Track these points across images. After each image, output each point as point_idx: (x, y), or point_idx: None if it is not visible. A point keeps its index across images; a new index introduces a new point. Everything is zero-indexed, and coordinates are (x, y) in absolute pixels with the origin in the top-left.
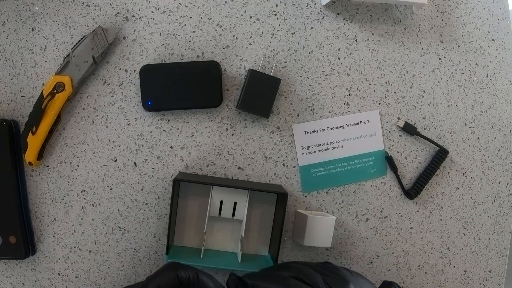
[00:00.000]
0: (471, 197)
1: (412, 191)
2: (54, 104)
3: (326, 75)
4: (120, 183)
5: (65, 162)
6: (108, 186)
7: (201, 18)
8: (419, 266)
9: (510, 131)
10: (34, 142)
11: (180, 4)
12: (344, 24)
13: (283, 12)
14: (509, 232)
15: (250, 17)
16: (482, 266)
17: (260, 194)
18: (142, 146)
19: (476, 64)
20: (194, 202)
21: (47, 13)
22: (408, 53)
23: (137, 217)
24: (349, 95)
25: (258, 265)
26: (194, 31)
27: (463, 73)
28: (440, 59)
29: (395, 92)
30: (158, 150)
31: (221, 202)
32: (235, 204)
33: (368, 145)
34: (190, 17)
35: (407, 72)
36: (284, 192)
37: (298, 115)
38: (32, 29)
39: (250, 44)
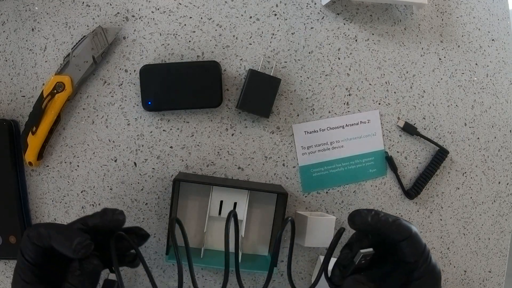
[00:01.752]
0: (471, 197)
1: (412, 191)
2: (54, 104)
3: (326, 75)
4: (120, 183)
5: (65, 162)
6: (108, 186)
7: (201, 18)
8: None
9: (510, 131)
10: (34, 142)
11: (180, 4)
12: (344, 24)
13: (283, 12)
14: (509, 232)
15: (250, 17)
16: (482, 266)
17: (260, 194)
18: (142, 146)
19: (476, 64)
20: (194, 202)
21: (47, 13)
22: (408, 53)
23: (137, 217)
24: (349, 95)
25: (258, 265)
26: (194, 31)
27: (463, 73)
28: (440, 59)
29: (395, 92)
30: (158, 150)
31: (221, 202)
32: (235, 204)
33: (368, 145)
34: (190, 17)
35: (407, 72)
36: (284, 192)
37: (298, 115)
38: (32, 29)
39: (250, 44)
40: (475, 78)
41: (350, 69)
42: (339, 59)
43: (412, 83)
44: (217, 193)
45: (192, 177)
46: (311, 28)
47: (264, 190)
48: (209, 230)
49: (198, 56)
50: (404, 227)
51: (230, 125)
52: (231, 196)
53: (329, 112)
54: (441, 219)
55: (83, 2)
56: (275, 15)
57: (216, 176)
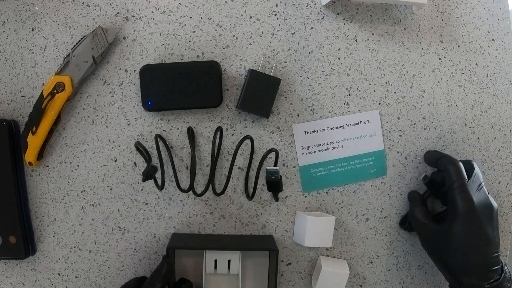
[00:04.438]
0: None
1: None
2: (54, 104)
3: (326, 75)
4: (120, 183)
5: (65, 162)
6: (108, 186)
7: (201, 18)
8: (419, 266)
9: (510, 131)
10: (34, 142)
11: (180, 4)
12: (344, 24)
13: (283, 12)
14: (509, 232)
15: (250, 17)
16: None
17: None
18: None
19: (476, 64)
20: (190, 259)
21: (47, 13)
22: (408, 53)
23: (137, 217)
24: (349, 95)
25: None
26: (194, 31)
27: (463, 73)
28: (440, 59)
29: (395, 92)
30: None
31: (215, 260)
32: (229, 261)
33: (368, 145)
34: (190, 17)
35: (407, 72)
36: (275, 248)
37: (298, 115)
38: (32, 29)
39: (250, 44)
40: (475, 78)
41: (350, 69)
42: (339, 59)
43: (412, 83)
44: (210, 254)
45: (185, 241)
46: (311, 28)
47: (255, 248)
48: (207, 285)
49: (198, 56)
50: (443, 161)
51: (230, 125)
52: (225, 255)
53: (329, 112)
54: None
55: (83, 2)
56: (275, 15)
57: (210, 234)
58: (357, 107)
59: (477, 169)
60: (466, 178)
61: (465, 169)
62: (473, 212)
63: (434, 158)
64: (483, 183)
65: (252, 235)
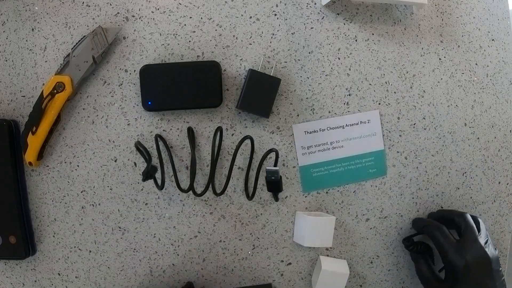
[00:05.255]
0: (471, 197)
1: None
2: (54, 104)
3: (326, 75)
4: (120, 183)
5: (65, 162)
6: (108, 186)
7: (201, 18)
8: None
9: (510, 131)
10: (34, 142)
11: (180, 4)
12: (344, 24)
13: (283, 12)
14: (509, 232)
15: (250, 17)
16: None
17: None
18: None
19: (476, 64)
20: None
21: (47, 13)
22: (408, 53)
23: (137, 217)
24: (349, 95)
25: None
26: (194, 31)
27: (463, 73)
28: (440, 59)
29: (395, 92)
30: None
31: None
32: None
33: (368, 145)
34: (190, 17)
35: (407, 72)
36: None
37: (298, 115)
38: (32, 29)
39: (250, 44)
40: (475, 78)
41: (350, 69)
42: (339, 59)
43: (412, 83)
44: None
45: None
46: (311, 28)
47: None
48: None
49: (198, 56)
50: (428, 229)
51: (230, 125)
52: None
53: (329, 112)
54: None
55: (83, 2)
56: (275, 15)
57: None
58: (357, 107)
59: (469, 224)
60: (453, 239)
61: (458, 222)
62: (469, 270)
63: (420, 226)
64: (478, 235)
65: (251, 286)
